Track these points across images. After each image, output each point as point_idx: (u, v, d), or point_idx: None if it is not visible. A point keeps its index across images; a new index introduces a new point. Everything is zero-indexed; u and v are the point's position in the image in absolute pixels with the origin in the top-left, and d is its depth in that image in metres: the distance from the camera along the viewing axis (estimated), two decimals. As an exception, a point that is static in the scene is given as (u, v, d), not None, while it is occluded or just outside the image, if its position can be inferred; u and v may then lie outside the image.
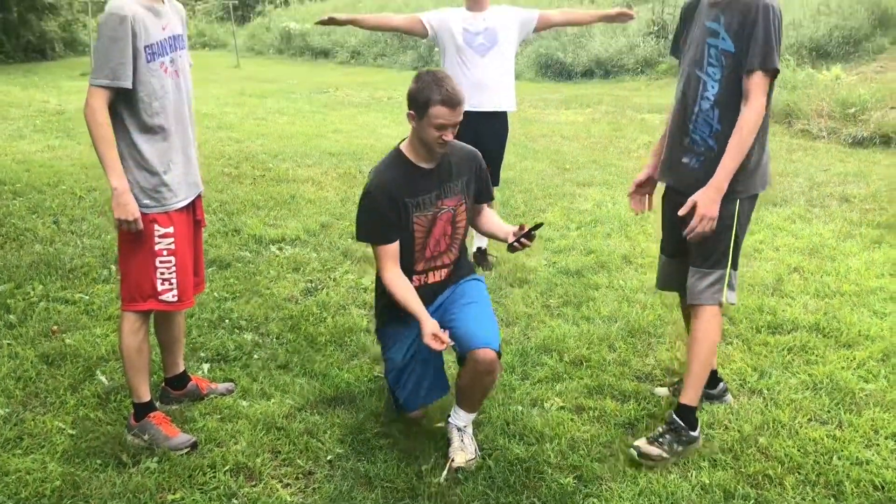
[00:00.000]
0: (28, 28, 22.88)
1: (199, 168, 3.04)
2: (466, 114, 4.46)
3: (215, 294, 4.39)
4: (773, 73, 2.71)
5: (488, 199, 3.06)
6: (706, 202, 2.78)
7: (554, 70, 17.35)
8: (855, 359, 3.62)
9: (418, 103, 2.69)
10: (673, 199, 3.04)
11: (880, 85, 10.22)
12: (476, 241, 5.06)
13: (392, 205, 2.76)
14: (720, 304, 2.93)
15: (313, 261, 5.03)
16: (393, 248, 2.79)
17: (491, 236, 3.06)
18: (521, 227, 2.85)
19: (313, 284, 4.62)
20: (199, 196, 3.05)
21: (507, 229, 2.94)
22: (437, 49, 4.85)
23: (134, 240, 2.82)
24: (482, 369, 2.70)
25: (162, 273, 2.86)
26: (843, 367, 3.54)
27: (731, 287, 2.94)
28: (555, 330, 3.95)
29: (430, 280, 2.93)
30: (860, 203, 6.43)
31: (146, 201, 2.79)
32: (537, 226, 2.83)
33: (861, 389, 3.33)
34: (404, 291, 2.75)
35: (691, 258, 2.96)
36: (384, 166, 2.85)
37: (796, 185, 7.00)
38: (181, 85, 2.87)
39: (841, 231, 5.66)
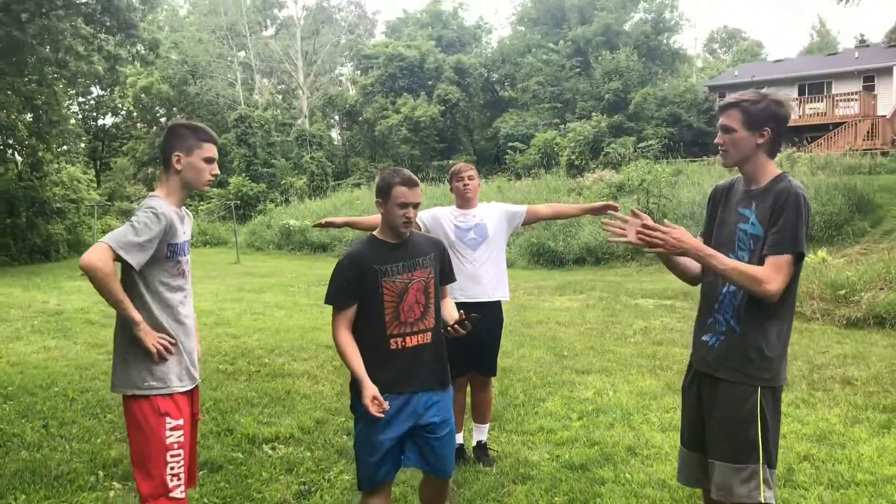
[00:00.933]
0: (35, 232, 23.67)
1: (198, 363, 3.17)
2: (462, 305, 4.55)
3: (205, 500, 4.21)
4: (800, 257, 2.73)
5: (449, 281, 3.47)
6: (683, 234, 2.76)
7: (546, 258, 17.83)
8: (880, 555, 3.42)
9: (383, 190, 3.20)
10: (696, 384, 3.00)
11: (866, 266, 10.47)
12: (476, 435, 4.94)
13: (359, 271, 3.17)
14: None
15: (307, 460, 4.87)
16: (348, 313, 3.19)
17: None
18: (461, 316, 3.24)
19: (307, 486, 4.44)
20: (196, 387, 3.13)
21: (454, 315, 3.33)
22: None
23: (148, 436, 2.87)
24: (434, 489, 3.41)
25: (172, 468, 2.89)
26: (869, 565, 3.33)
27: (767, 484, 2.77)
28: (561, 531, 3.75)
29: (410, 343, 3.20)
30: (863, 386, 6.36)
31: (152, 382, 2.90)
32: (472, 316, 3.21)
33: (892, 590, 3.12)
34: (351, 351, 3.14)
35: (717, 452, 2.83)
36: (357, 243, 3.31)
37: (796, 369, 6.96)
38: (188, 283, 3.10)
39: (847, 416, 5.55)
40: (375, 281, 3.17)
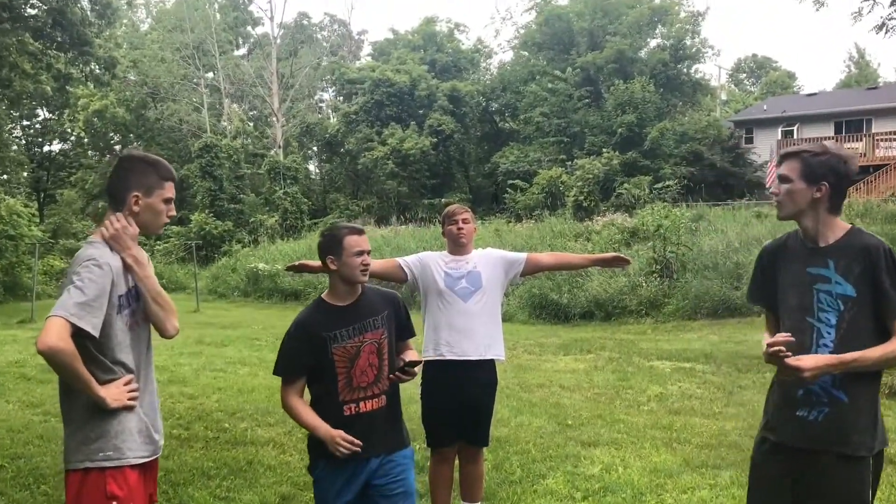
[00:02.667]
0: (-34, 272, 23.54)
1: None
2: (450, 364, 4.54)
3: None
4: None
5: (408, 336, 3.73)
6: (812, 362, 2.87)
7: (549, 312, 17.82)
8: None
9: (333, 246, 3.49)
10: (785, 463, 3.07)
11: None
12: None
13: (307, 341, 3.47)
14: None
15: (270, 542, 4.81)
16: (298, 385, 3.51)
17: None
18: (402, 361, 3.53)
19: (269, 573, 4.38)
20: (156, 460, 3.05)
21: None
22: (416, 293, 5.04)
23: None
24: None
25: None
26: None
27: None
28: None
29: (364, 409, 3.48)
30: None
31: (109, 452, 2.81)
32: (413, 363, 3.49)
33: None
34: (302, 408, 3.48)
35: None
36: (304, 311, 3.61)
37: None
38: (142, 335, 3.03)
39: None
40: (325, 348, 3.46)
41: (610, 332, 15.33)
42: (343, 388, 3.46)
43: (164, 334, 3.11)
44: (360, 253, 3.48)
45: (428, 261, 4.83)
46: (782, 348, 2.90)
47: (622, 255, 4.91)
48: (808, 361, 2.88)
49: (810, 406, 3.01)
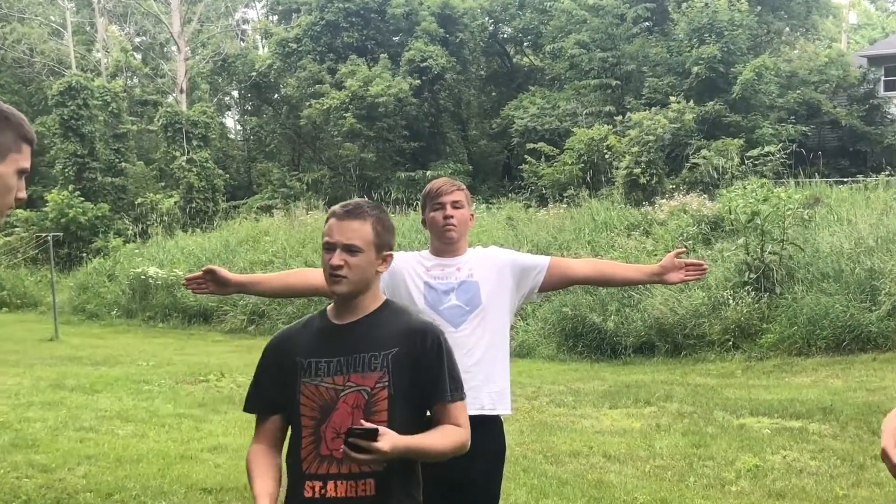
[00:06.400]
0: None
1: None
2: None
3: None
4: None
5: (441, 399, 3.43)
6: None
7: (588, 343, 17.79)
8: None
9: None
10: None
11: None
12: None
13: (278, 364, 3.49)
14: None
15: None
16: (267, 427, 3.49)
17: None
18: (360, 425, 3.19)
19: None
20: None
21: (443, 448, 3.50)
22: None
23: None
24: None
25: None
26: None
27: None
28: None
29: (332, 493, 3.28)
30: None
31: None
32: (352, 429, 3.09)
33: None
34: (253, 468, 3.37)
35: None
36: (295, 322, 3.69)
37: None
38: None
39: None
40: (294, 380, 3.40)
41: (679, 374, 15.35)
42: (308, 451, 3.35)
43: None
44: (328, 247, 3.38)
45: (400, 266, 4.81)
46: None
47: (694, 260, 4.91)
48: None
49: None
